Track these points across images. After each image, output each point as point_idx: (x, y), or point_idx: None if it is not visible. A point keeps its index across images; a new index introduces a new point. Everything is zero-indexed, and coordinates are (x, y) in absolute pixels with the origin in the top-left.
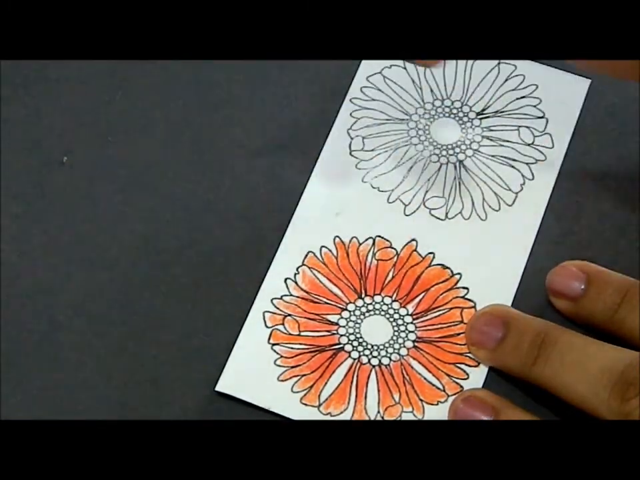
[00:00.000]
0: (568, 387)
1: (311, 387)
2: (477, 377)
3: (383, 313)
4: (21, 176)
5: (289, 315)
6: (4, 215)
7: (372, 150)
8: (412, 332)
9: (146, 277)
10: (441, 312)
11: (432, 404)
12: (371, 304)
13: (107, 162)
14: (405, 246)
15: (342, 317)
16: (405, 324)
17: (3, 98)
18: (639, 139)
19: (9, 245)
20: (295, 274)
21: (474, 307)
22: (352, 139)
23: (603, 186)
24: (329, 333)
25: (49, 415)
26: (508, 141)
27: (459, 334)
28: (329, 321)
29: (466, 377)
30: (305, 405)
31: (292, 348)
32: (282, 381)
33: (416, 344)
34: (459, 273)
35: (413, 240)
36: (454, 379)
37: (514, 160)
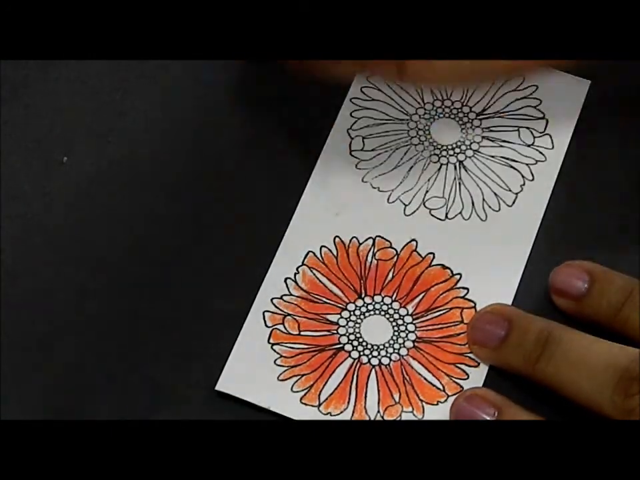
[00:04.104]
0: (571, 384)
1: (311, 386)
2: (476, 376)
3: (382, 312)
4: (20, 176)
5: (289, 314)
6: (4, 215)
7: (372, 150)
8: (412, 332)
9: (146, 277)
10: (440, 312)
11: (432, 404)
12: (370, 304)
13: (107, 162)
14: (404, 246)
15: (342, 317)
16: (405, 324)
17: (2, 98)
18: (639, 139)
19: (8, 245)
20: (295, 274)
21: (474, 307)
22: (352, 138)
23: (602, 186)
24: (328, 333)
25: (48, 415)
26: (508, 142)
27: (459, 334)
28: (329, 320)
29: (466, 377)
30: (305, 404)
31: (292, 347)
32: (282, 380)
33: (416, 344)
34: (459, 273)
35: (413, 240)
36: (454, 379)
37: (514, 160)
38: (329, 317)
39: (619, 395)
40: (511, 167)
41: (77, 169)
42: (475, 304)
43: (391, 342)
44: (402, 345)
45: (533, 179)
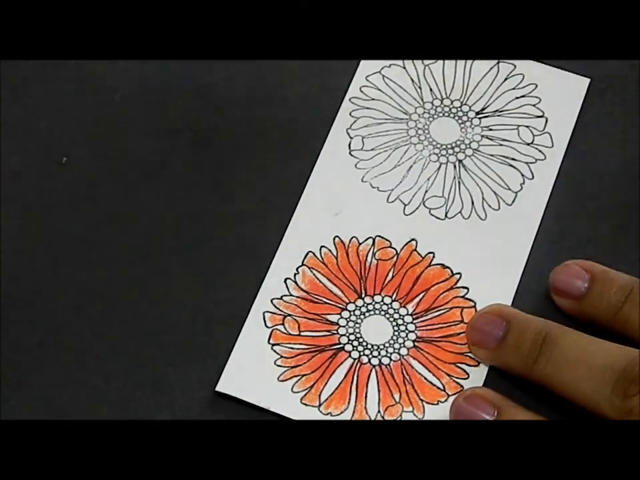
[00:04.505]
0: (569, 385)
1: (311, 386)
2: (477, 376)
3: (382, 312)
4: (20, 176)
5: (289, 315)
6: (4, 215)
7: (371, 149)
8: (412, 332)
9: (146, 277)
10: (440, 311)
11: (432, 403)
12: (370, 304)
13: (106, 162)
14: (404, 245)
15: (342, 317)
16: (405, 324)
17: (2, 98)
18: (639, 138)
19: (8, 245)
20: (295, 274)
21: (474, 306)
22: (351, 138)
23: (602, 186)
24: (329, 333)
25: (48, 415)
26: (507, 140)
27: (459, 333)
28: (329, 320)
29: (466, 376)
30: (305, 404)
31: (292, 348)
32: (282, 381)
33: (416, 344)
34: (458, 273)
35: (413, 239)
36: (454, 378)
37: (513, 159)
38: (329, 317)
39: (617, 395)
40: (511, 165)
41: (77, 169)
42: (475, 303)
43: (391, 342)
44: (402, 345)
45: (532, 178)
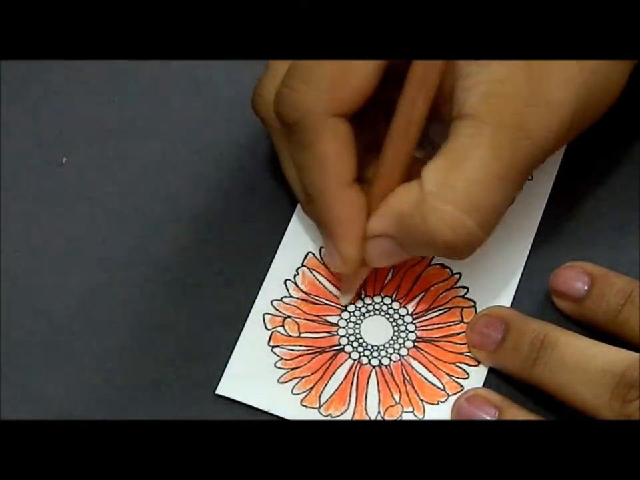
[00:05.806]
0: (568, 389)
1: (311, 388)
2: (477, 376)
3: (382, 313)
4: (20, 176)
5: (289, 316)
6: (4, 215)
7: None
8: (412, 332)
9: (146, 277)
10: (440, 311)
11: (432, 404)
12: (370, 304)
13: (106, 162)
14: None
15: (342, 318)
16: (405, 324)
17: (2, 98)
18: (639, 137)
19: (8, 245)
20: (295, 275)
21: (474, 306)
22: None
23: (602, 186)
24: (328, 334)
25: (48, 415)
26: None
27: (458, 333)
28: (329, 322)
29: (466, 376)
30: (306, 406)
31: (292, 350)
32: (282, 383)
33: (416, 344)
34: (458, 273)
35: None
36: (454, 378)
37: None
38: (328, 318)
39: (616, 400)
40: None
41: (76, 169)
42: (475, 303)
43: (391, 342)
44: (402, 345)
45: (531, 179)
